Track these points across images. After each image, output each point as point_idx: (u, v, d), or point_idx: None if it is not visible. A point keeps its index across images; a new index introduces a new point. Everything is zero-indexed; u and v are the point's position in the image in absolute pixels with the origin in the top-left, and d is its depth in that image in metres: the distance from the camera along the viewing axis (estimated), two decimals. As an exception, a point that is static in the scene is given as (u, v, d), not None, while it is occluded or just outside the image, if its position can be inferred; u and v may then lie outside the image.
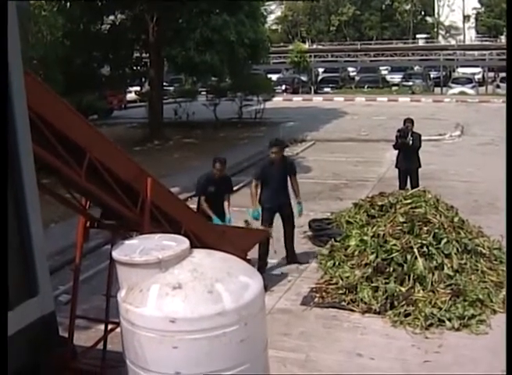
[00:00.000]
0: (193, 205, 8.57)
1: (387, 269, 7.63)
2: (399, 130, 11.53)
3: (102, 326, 5.80)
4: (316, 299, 7.77)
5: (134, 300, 3.39)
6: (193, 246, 4.87)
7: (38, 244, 3.13)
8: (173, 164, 17.29)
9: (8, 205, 2.86)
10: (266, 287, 7.98)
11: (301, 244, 9.72)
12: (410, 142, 11.37)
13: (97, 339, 5.71)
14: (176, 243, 3.73)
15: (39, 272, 3.14)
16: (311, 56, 46.20)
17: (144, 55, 23.18)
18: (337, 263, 8.34)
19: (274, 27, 70.82)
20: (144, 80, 25.23)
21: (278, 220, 9.12)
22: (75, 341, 5.32)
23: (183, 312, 3.26)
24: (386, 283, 7.49)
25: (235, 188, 13.69)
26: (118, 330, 3.92)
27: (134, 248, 3.63)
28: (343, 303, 7.55)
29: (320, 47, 64.30)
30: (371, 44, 64.12)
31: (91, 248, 9.52)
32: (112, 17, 22.44)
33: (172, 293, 3.33)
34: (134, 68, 23.56)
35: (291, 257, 9.11)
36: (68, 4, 19.30)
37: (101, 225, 5.59)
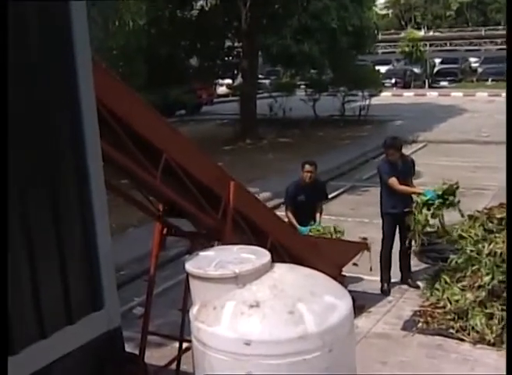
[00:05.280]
0: (282, 213, 8.62)
1: (504, 294, 7.38)
2: None
3: (177, 344, 5.91)
4: (420, 324, 7.61)
5: (207, 318, 3.43)
6: (281, 260, 4.90)
7: (105, 253, 3.20)
8: (266, 166, 17.42)
9: (71, 211, 2.97)
10: (363, 308, 7.98)
11: (405, 261, 9.55)
12: None
13: (171, 358, 5.84)
14: (255, 256, 3.74)
15: (105, 283, 3.21)
16: (426, 45, 45.52)
17: (236, 44, 23.44)
18: (445, 284, 8.14)
19: (383, 12, 70.11)
20: (236, 72, 25.52)
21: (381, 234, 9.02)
22: (147, 359, 5.45)
23: (259, 333, 3.27)
24: (503, 309, 7.24)
25: (333, 194, 13.77)
26: (192, 349, 3.98)
27: (209, 261, 3.67)
28: (451, 331, 7.35)
29: (437, 34, 63.15)
30: (497, 29, 62.19)
31: (171, 256, 9.71)
32: (201, 2, 22.80)
33: (249, 312, 3.35)
34: (225, 58, 23.88)
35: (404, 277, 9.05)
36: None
37: (178, 232, 5.71)
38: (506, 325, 6.70)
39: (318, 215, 8.83)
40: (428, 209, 8.35)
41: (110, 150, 3.79)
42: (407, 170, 8.82)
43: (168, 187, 4.66)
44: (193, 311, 3.58)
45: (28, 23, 2.68)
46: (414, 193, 8.53)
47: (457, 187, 8.51)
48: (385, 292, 8.75)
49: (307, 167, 8.73)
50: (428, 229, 8.75)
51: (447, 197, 8.37)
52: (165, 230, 5.57)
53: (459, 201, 8.50)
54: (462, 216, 8.80)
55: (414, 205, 8.40)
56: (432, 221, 8.50)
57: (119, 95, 4.00)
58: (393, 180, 8.56)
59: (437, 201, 8.32)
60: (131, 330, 6.15)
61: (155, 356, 6.26)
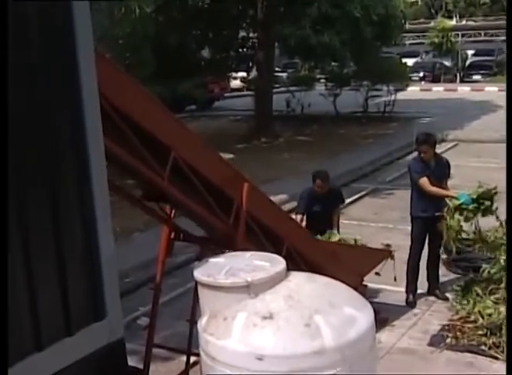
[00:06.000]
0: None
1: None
2: None
3: (185, 358, 5.92)
4: (448, 340, 7.57)
5: (216, 330, 3.43)
6: (297, 267, 4.89)
7: (108, 258, 3.20)
8: (282, 166, 17.42)
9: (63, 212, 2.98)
10: (386, 321, 7.96)
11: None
12: None
13: (178, 372, 5.85)
14: (269, 263, 3.74)
15: (107, 292, 3.20)
16: (457, 35, 45.28)
17: (251, 34, 23.44)
18: (477, 296, 8.11)
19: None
20: (251, 64, 25.53)
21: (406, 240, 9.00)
22: (152, 374, 5.47)
23: (272, 347, 3.26)
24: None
25: (354, 197, 13.78)
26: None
27: (219, 268, 3.68)
28: (483, 347, 7.30)
29: (470, 23, 62.69)
30: (537, 19, 61.81)
31: (179, 263, 9.73)
32: (214, -12, 22.82)
33: (262, 324, 3.34)
34: (239, 50, 23.87)
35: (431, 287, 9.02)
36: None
37: (187, 237, 5.72)
38: (506, 327, 6.68)
39: (335, 220, 8.86)
40: (461, 214, 8.28)
41: (113, 147, 3.80)
42: (440, 171, 8.73)
43: (177, 188, 4.66)
44: (202, 322, 3.58)
45: (29, 23, 2.71)
46: (447, 196, 8.45)
47: (496, 193, 8.39)
48: (410, 304, 8.72)
49: (318, 183, 8.74)
50: (463, 235, 8.70)
51: (483, 201, 8.28)
52: (172, 235, 5.58)
53: (497, 208, 8.40)
54: (501, 224, 8.72)
55: (446, 209, 8.34)
56: (465, 226, 8.43)
57: (122, 88, 4.01)
58: (424, 181, 8.48)
59: (471, 206, 8.25)
60: (135, 342, 6.17)
61: (161, 371, 6.28)
